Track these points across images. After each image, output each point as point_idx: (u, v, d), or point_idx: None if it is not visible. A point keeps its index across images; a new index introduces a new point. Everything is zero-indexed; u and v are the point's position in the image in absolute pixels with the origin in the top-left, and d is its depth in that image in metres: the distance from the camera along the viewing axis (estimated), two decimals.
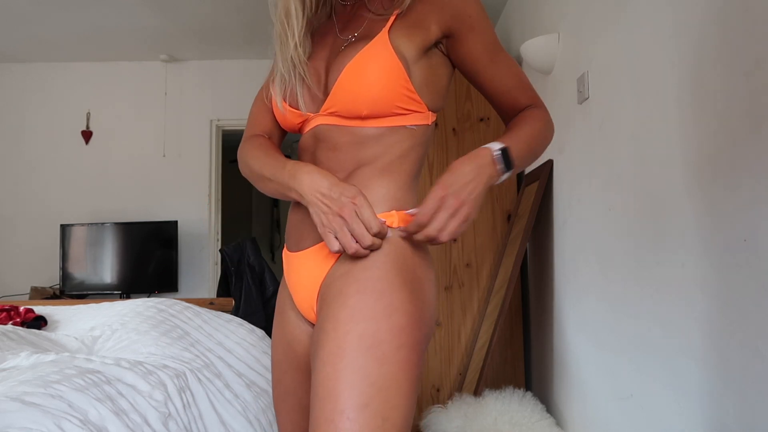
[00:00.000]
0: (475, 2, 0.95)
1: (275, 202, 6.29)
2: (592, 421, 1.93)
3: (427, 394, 2.67)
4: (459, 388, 2.56)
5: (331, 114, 0.94)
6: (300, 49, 0.98)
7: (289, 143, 5.00)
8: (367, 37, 0.93)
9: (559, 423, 2.24)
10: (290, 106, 0.99)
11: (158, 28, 3.52)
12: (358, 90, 0.90)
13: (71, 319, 2.05)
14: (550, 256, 2.38)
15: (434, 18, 0.93)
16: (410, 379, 0.81)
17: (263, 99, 1.10)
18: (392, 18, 0.93)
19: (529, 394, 2.36)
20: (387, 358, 0.80)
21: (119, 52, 3.90)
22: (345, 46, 0.95)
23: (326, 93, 0.95)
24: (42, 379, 1.14)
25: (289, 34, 0.98)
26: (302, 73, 0.98)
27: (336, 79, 0.92)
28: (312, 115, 0.97)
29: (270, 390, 1.64)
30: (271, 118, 1.08)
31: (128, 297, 3.65)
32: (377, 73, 0.90)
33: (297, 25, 0.98)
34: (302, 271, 0.97)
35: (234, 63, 4.05)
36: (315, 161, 0.96)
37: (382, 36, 0.91)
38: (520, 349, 2.72)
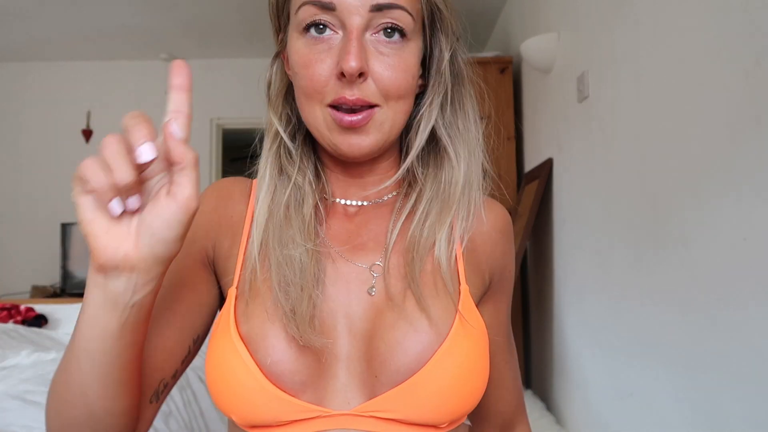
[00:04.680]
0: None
1: None
2: (592, 420, 1.93)
3: None
4: None
5: (383, 419, 0.55)
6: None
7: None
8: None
9: (559, 421, 2.25)
10: (282, 388, 0.54)
11: (158, 27, 3.52)
12: (456, 401, 0.56)
13: (72, 318, 2.05)
14: (550, 255, 2.38)
15: (488, 263, 0.66)
16: None
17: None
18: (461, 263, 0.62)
19: (529, 393, 2.37)
20: None
21: (119, 51, 3.91)
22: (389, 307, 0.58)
23: (372, 375, 0.56)
24: (43, 377, 1.14)
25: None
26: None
27: (410, 371, 0.55)
28: (337, 413, 0.55)
29: None
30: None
31: None
32: (482, 373, 0.58)
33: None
34: None
35: (234, 62, 4.06)
36: None
37: (468, 305, 0.59)
38: (520, 348, 2.72)
